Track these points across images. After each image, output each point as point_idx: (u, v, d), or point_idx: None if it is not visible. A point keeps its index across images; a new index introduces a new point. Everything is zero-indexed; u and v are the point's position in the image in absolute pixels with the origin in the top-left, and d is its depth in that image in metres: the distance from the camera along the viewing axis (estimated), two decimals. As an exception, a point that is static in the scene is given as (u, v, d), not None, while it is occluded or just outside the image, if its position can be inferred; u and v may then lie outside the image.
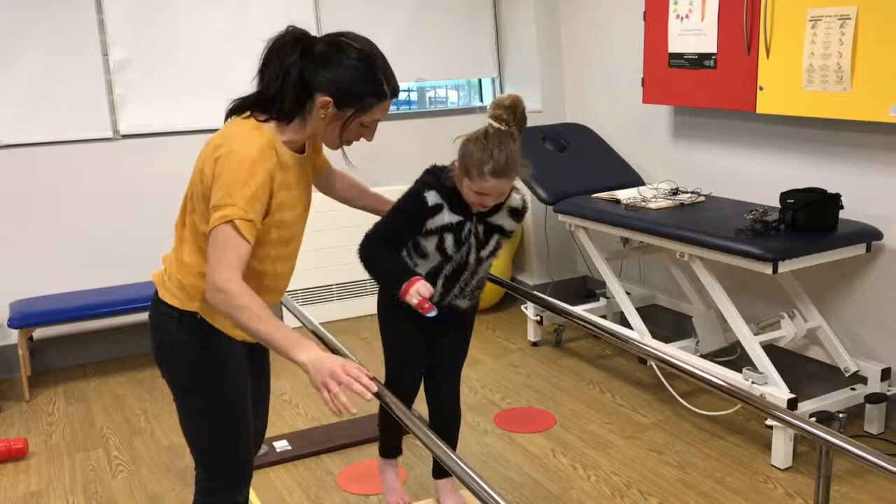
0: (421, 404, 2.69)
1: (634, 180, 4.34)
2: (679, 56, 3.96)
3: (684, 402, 3.61)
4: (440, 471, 2.85)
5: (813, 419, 2.92)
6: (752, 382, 3.19)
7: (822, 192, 3.32)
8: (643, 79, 4.20)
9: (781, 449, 3.12)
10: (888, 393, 3.31)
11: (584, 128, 4.73)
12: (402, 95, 5.30)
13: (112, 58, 4.34)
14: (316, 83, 1.87)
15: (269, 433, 2.87)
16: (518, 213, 2.46)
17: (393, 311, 2.53)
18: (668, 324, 4.43)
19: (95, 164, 4.38)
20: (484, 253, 2.43)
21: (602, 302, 4.42)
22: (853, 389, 3.35)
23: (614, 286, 3.97)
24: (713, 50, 3.76)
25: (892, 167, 3.28)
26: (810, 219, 3.25)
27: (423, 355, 2.62)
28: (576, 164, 4.36)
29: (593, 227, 3.94)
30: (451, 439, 2.78)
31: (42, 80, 4.20)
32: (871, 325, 3.45)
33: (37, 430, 3.72)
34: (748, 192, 3.89)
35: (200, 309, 1.97)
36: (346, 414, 1.79)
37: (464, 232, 2.37)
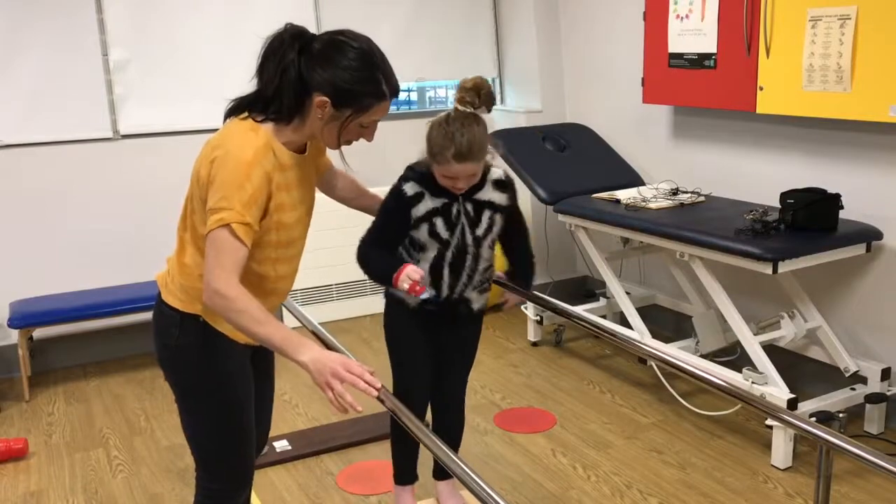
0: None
1: (634, 180, 4.34)
2: (679, 56, 3.96)
3: (684, 402, 3.61)
4: (441, 472, 2.84)
5: (813, 419, 2.92)
6: (752, 382, 3.19)
7: (822, 192, 3.32)
8: (643, 79, 4.20)
9: (781, 449, 3.12)
10: (888, 393, 3.31)
11: (584, 128, 4.73)
12: (402, 95, 5.30)
13: (112, 58, 4.34)
14: (314, 83, 1.84)
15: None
16: (504, 185, 2.43)
17: (400, 323, 2.52)
18: (668, 324, 4.43)
19: (95, 164, 4.38)
20: (479, 231, 2.40)
21: (602, 302, 4.42)
22: (853, 389, 3.35)
23: (614, 286, 3.97)
24: (713, 50, 3.76)
25: (892, 167, 3.28)
26: (810, 219, 3.25)
27: (432, 367, 2.60)
28: (576, 164, 4.36)
29: (593, 227, 3.94)
30: (454, 444, 2.76)
31: (42, 80, 4.20)
32: (871, 325, 3.45)
33: (37, 430, 3.72)
34: (748, 192, 3.89)
35: (203, 312, 1.96)
36: (353, 412, 1.79)
37: (452, 213, 2.36)
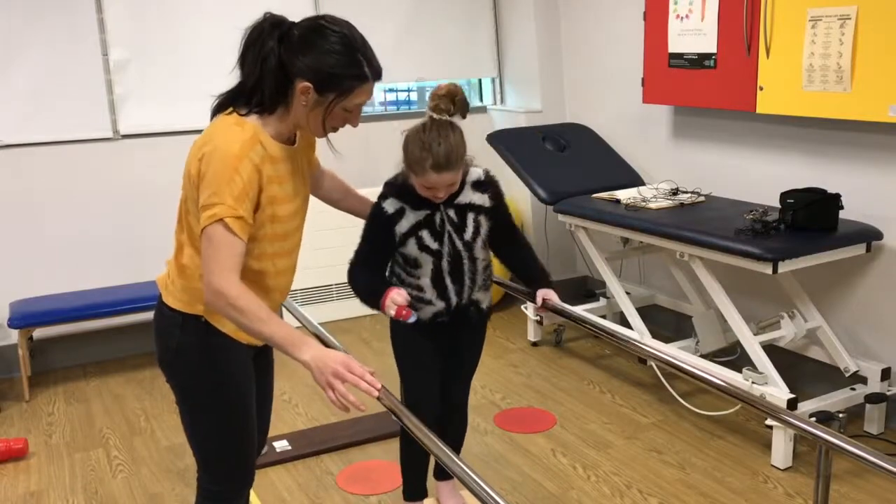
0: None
1: (634, 180, 4.34)
2: (679, 56, 3.96)
3: (684, 402, 3.61)
4: (441, 472, 2.84)
5: (813, 419, 2.92)
6: (752, 382, 3.19)
7: (822, 192, 3.32)
8: (643, 79, 4.20)
9: (781, 449, 3.12)
10: (888, 393, 3.31)
11: (584, 128, 4.73)
12: (402, 95, 5.30)
13: (112, 58, 4.34)
14: (295, 69, 1.83)
15: (269, 433, 2.87)
16: (483, 185, 2.38)
17: (408, 335, 2.49)
18: (668, 324, 4.43)
19: (95, 164, 4.38)
20: (467, 235, 2.37)
21: (602, 302, 4.42)
22: (853, 389, 3.35)
23: (614, 286, 3.97)
24: (713, 50, 3.76)
25: (892, 167, 3.28)
26: (810, 219, 3.25)
27: (438, 368, 2.57)
28: (576, 164, 4.36)
29: (593, 227, 3.93)
30: (457, 447, 2.75)
31: (42, 80, 4.20)
32: (871, 325, 3.45)
33: (37, 430, 3.72)
34: (748, 192, 3.89)
35: (204, 312, 1.95)
36: (354, 411, 1.79)
37: (437, 223, 2.33)
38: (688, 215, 3.62)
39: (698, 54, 3.85)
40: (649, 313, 4.29)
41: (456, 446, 2.75)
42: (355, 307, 5.04)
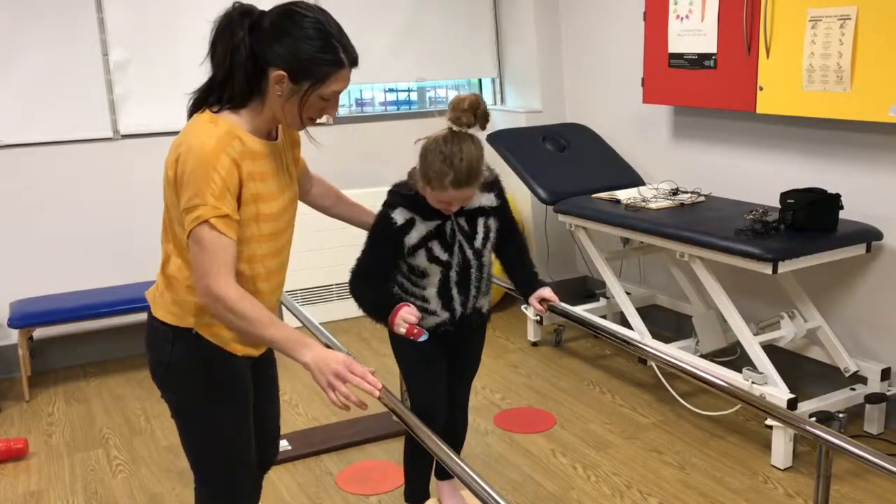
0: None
1: (634, 180, 4.34)
2: (679, 56, 3.96)
3: (684, 402, 3.61)
4: (442, 472, 2.84)
5: (813, 419, 2.92)
6: (752, 382, 3.19)
7: (822, 192, 3.32)
8: (643, 79, 4.20)
9: (781, 449, 3.12)
10: (888, 393, 3.31)
11: (584, 128, 4.73)
12: (402, 95, 5.30)
13: (112, 58, 4.34)
14: (268, 58, 1.76)
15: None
16: (490, 184, 2.33)
17: (412, 348, 2.41)
18: (668, 324, 4.43)
19: (95, 164, 4.38)
20: (477, 243, 2.32)
21: (602, 302, 4.42)
22: (853, 389, 3.35)
23: (614, 286, 3.97)
24: (713, 50, 3.76)
25: (892, 167, 3.28)
26: (810, 219, 3.25)
27: (442, 376, 2.52)
28: (576, 164, 4.36)
29: (593, 227, 3.94)
30: (458, 446, 2.74)
31: (42, 80, 4.20)
32: (871, 325, 3.45)
33: (37, 430, 3.72)
34: (748, 192, 3.89)
35: (196, 325, 1.90)
36: (357, 411, 1.79)
37: (447, 233, 2.27)
38: (688, 215, 3.62)
39: (698, 54, 3.85)
40: (649, 313, 4.29)
41: (458, 447, 2.74)
42: (355, 307, 5.04)
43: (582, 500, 3.00)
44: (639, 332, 3.83)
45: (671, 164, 4.34)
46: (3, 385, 4.22)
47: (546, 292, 2.43)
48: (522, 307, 4.58)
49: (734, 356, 3.87)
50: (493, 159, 4.22)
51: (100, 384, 4.22)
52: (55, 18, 4.19)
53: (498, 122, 5.20)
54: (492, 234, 2.35)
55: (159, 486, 3.19)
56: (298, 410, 3.80)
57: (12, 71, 4.14)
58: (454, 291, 2.33)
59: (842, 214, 3.31)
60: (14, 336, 4.15)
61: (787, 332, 3.42)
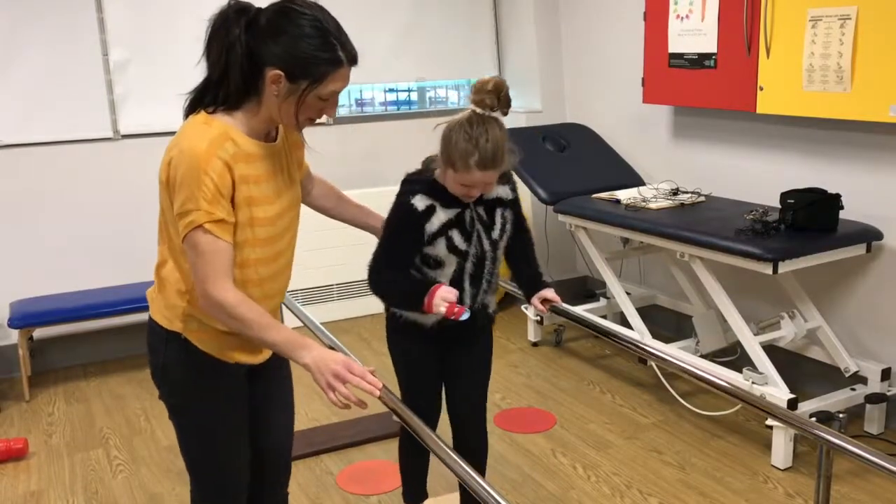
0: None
1: (634, 180, 4.34)
2: (679, 56, 3.96)
3: (684, 402, 3.61)
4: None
5: (813, 419, 2.92)
6: (753, 382, 3.19)
7: (822, 192, 3.32)
8: (643, 79, 4.20)
9: (781, 449, 3.12)
10: (888, 393, 3.31)
11: (584, 128, 4.73)
12: (402, 95, 5.30)
13: (112, 58, 4.34)
14: (264, 57, 1.71)
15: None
16: (507, 178, 2.29)
17: (408, 347, 2.40)
18: (668, 324, 4.43)
19: (95, 164, 4.38)
20: (495, 233, 2.27)
21: (602, 302, 4.42)
22: (853, 389, 3.35)
23: (614, 286, 3.97)
24: (713, 50, 3.76)
25: (892, 167, 3.28)
26: (810, 219, 3.25)
27: (439, 378, 2.48)
28: (576, 164, 4.36)
29: (593, 227, 3.93)
30: (480, 468, 2.61)
31: (42, 80, 4.20)
32: (871, 325, 3.45)
33: (37, 430, 3.72)
34: (748, 192, 3.89)
35: (183, 330, 1.88)
36: (357, 410, 1.77)
37: (466, 221, 2.22)
38: (688, 215, 3.62)
39: (698, 54, 3.85)
40: (649, 313, 4.29)
41: (480, 469, 2.60)
42: (355, 307, 5.08)
43: (582, 500, 3.00)
44: (639, 332, 3.83)
45: (671, 164, 4.34)
46: (3, 385, 4.22)
47: (549, 293, 2.39)
48: (523, 307, 4.57)
49: (734, 356, 3.86)
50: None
51: (100, 384, 4.22)
52: (55, 18, 4.19)
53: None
54: (508, 226, 2.31)
55: (159, 486, 3.19)
56: (298, 410, 3.79)
57: (12, 71, 4.14)
58: (466, 283, 2.27)
59: (842, 214, 3.31)
60: (14, 336, 4.15)
61: (787, 332, 3.42)
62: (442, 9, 5.11)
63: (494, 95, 2.09)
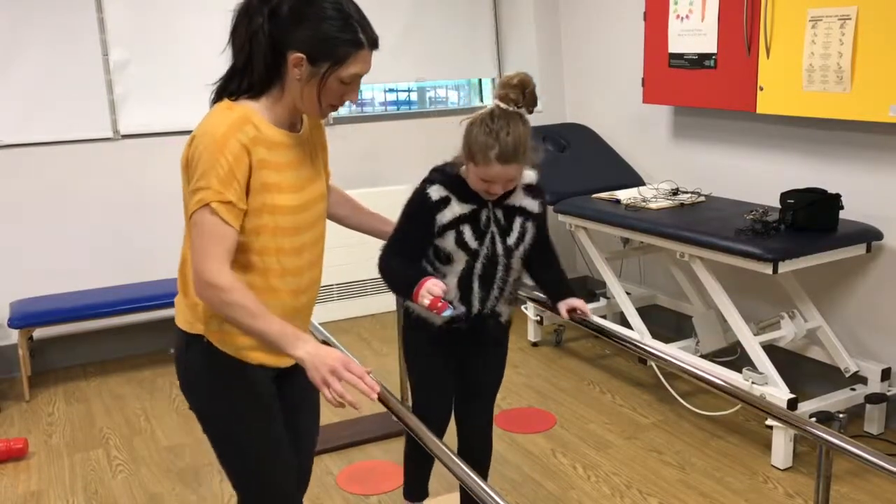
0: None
1: (634, 180, 4.34)
2: (679, 56, 3.96)
3: (684, 402, 3.61)
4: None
5: (813, 419, 2.92)
6: (752, 382, 3.19)
7: (822, 192, 3.32)
8: (643, 79, 4.20)
9: (781, 449, 3.12)
10: (888, 393, 3.31)
11: (584, 128, 4.73)
12: (402, 95, 5.30)
13: (112, 58, 4.34)
14: (287, 42, 1.73)
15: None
16: (536, 190, 2.25)
17: (422, 345, 2.37)
18: (668, 324, 4.43)
19: (95, 164, 4.38)
20: (510, 240, 2.22)
21: (602, 302, 4.42)
22: (853, 389, 3.35)
23: (614, 286, 3.97)
24: (713, 50, 3.76)
25: (892, 167, 3.28)
26: (810, 219, 3.25)
27: (452, 383, 2.44)
28: (576, 164, 4.37)
29: (593, 227, 3.93)
30: (483, 473, 2.59)
31: (42, 80, 4.20)
32: (871, 325, 3.45)
33: (37, 430, 3.72)
34: (748, 192, 3.89)
35: (205, 331, 1.84)
36: (354, 410, 1.72)
37: (482, 220, 2.18)
38: (688, 215, 3.62)
39: (698, 54, 3.85)
40: (649, 313, 4.29)
41: (483, 473, 2.58)
42: (355, 307, 5.08)
43: (582, 500, 3.00)
44: (639, 332, 3.83)
45: (671, 164, 4.34)
46: (3, 385, 4.22)
47: (577, 302, 2.34)
48: (523, 307, 4.57)
49: (734, 356, 3.86)
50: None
51: (100, 384, 4.22)
52: (55, 18, 4.19)
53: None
54: (527, 238, 2.26)
55: (159, 486, 3.19)
56: (298, 410, 3.80)
57: (12, 71, 4.14)
58: (475, 285, 2.24)
59: (842, 214, 3.31)
60: (14, 336, 4.15)
61: (787, 332, 3.42)
62: (442, 9, 5.11)
63: (520, 91, 2.08)
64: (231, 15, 1.78)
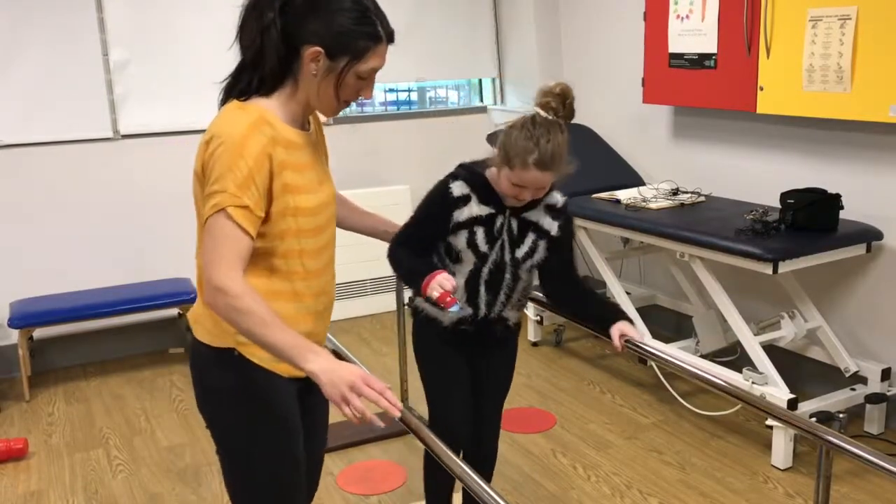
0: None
1: (634, 180, 4.34)
2: (679, 56, 3.96)
3: (684, 402, 3.61)
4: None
5: (813, 419, 2.92)
6: (753, 382, 3.19)
7: (822, 192, 3.32)
8: (643, 79, 4.20)
9: (781, 449, 3.12)
10: (888, 393, 3.31)
11: (584, 128, 4.73)
12: (403, 95, 5.30)
13: (112, 58, 4.34)
14: (302, 36, 1.65)
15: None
16: (558, 212, 2.24)
17: (433, 346, 2.33)
18: (668, 324, 4.43)
19: (95, 164, 4.38)
20: (519, 253, 2.21)
21: (602, 302, 4.41)
22: (853, 389, 3.35)
23: (614, 286, 3.97)
24: (713, 50, 3.76)
25: (892, 167, 3.28)
26: (810, 219, 3.25)
27: (467, 379, 2.38)
28: (576, 163, 4.36)
29: (593, 227, 3.93)
30: (487, 476, 2.52)
31: (42, 80, 4.20)
32: (871, 325, 3.45)
33: (37, 430, 3.72)
34: (748, 192, 3.89)
35: (237, 343, 1.73)
36: (376, 426, 1.58)
37: (496, 226, 2.18)
38: (688, 215, 3.62)
39: (698, 54, 3.85)
40: (649, 313, 4.29)
41: (487, 476, 2.54)
42: (355, 307, 5.07)
43: (582, 500, 3.00)
44: (639, 333, 3.82)
45: (671, 164, 4.34)
46: (3, 385, 4.22)
47: (627, 327, 2.21)
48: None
49: (734, 356, 3.86)
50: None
51: (100, 384, 4.22)
52: (55, 18, 4.19)
53: (498, 121, 5.20)
54: (537, 255, 2.23)
55: (159, 486, 3.19)
56: (298, 410, 3.80)
57: (12, 71, 4.14)
58: (482, 288, 2.22)
59: (842, 214, 3.31)
60: (14, 336, 4.15)
61: (787, 332, 3.42)
62: (442, 9, 5.11)
63: (560, 101, 2.09)
64: (237, 11, 1.72)
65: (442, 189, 2.18)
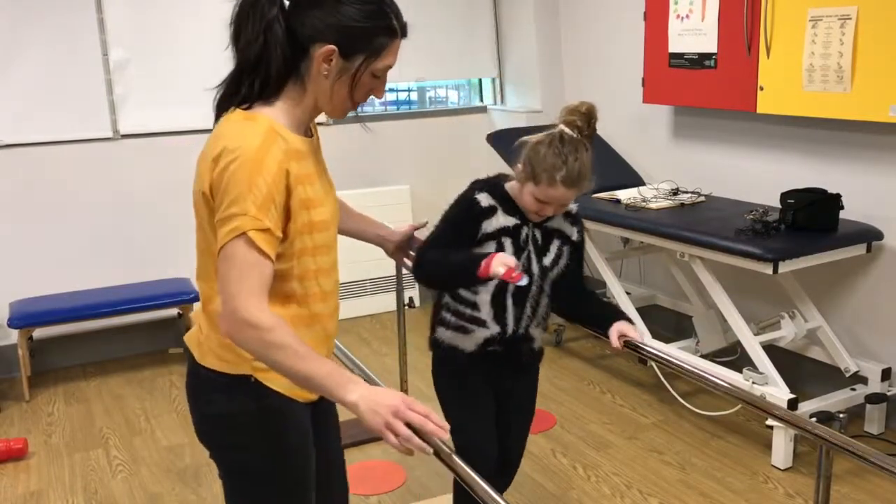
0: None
1: (634, 180, 4.34)
2: (679, 56, 3.95)
3: (684, 402, 3.61)
4: None
5: (813, 419, 2.92)
6: (753, 382, 3.19)
7: (822, 192, 3.32)
8: (643, 79, 4.20)
9: (781, 449, 3.12)
10: (888, 393, 3.31)
11: (584, 128, 4.72)
12: (403, 95, 5.30)
13: (112, 58, 4.34)
14: (311, 33, 1.50)
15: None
16: (575, 218, 2.27)
17: (457, 376, 2.28)
18: (668, 324, 4.43)
19: (95, 164, 4.38)
20: (546, 261, 2.21)
21: (602, 302, 4.41)
22: (853, 389, 3.35)
23: (614, 286, 3.97)
24: (713, 50, 3.76)
25: (892, 167, 3.28)
26: (810, 219, 3.25)
27: (493, 410, 2.33)
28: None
29: (593, 227, 3.93)
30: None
31: (42, 80, 4.20)
32: (871, 325, 3.45)
33: (37, 430, 3.72)
34: (748, 192, 3.88)
35: (254, 370, 1.61)
36: (426, 453, 1.47)
37: (521, 236, 2.17)
38: (688, 215, 3.62)
39: (698, 54, 3.85)
40: (649, 313, 4.29)
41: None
42: (355, 307, 5.07)
43: (582, 500, 3.00)
44: (639, 333, 3.82)
45: (671, 164, 4.34)
46: (3, 385, 4.22)
47: (626, 327, 2.22)
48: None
49: (734, 356, 3.86)
50: (493, 159, 4.23)
51: (100, 384, 4.22)
52: (55, 18, 4.19)
53: (498, 121, 5.20)
54: (561, 262, 2.24)
55: (159, 486, 3.19)
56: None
57: (12, 71, 4.14)
58: (509, 302, 2.20)
59: (842, 214, 3.31)
60: (14, 336, 4.15)
61: (787, 332, 3.42)
62: (442, 9, 5.11)
63: (585, 120, 2.10)
64: (230, 8, 1.55)
65: (469, 199, 2.16)
